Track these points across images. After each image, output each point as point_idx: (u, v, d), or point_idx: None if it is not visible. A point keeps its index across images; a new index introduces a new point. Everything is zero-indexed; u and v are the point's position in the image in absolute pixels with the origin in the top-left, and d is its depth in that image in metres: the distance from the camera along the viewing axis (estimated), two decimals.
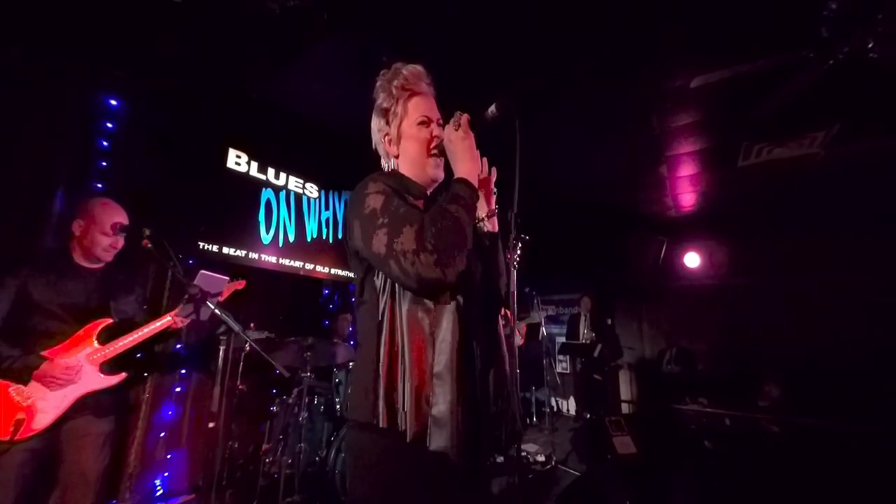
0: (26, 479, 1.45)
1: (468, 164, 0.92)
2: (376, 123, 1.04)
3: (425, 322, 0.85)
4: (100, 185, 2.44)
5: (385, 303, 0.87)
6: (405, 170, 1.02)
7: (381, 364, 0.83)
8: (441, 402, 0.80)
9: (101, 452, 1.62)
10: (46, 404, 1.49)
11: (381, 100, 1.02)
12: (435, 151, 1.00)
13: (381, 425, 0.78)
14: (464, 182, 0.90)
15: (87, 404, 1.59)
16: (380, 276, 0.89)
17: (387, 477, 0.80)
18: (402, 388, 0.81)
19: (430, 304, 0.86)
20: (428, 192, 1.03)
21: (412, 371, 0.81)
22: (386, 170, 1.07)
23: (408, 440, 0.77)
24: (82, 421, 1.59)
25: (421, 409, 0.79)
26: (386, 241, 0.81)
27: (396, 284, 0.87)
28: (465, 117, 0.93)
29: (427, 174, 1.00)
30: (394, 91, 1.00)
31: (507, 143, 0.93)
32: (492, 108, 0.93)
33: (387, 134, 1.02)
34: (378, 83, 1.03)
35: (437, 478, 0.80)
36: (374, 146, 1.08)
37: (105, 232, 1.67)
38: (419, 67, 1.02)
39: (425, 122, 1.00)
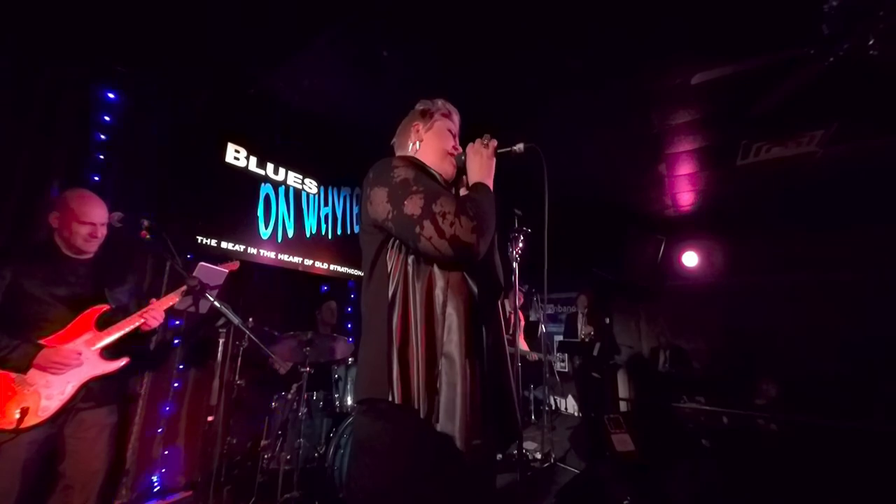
0: (31, 470, 1.44)
1: (487, 177, 1.01)
2: (411, 118, 1.15)
3: (438, 300, 0.86)
4: (97, 178, 2.41)
5: (398, 281, 0.88)
6: (423, 156, 1.09)
7: (394, 340, 0.83)
8: (449, 381, 0.80)
9: (107, 447, 1.62)
10: (50, 391, 1.47)
11: (422, 104, 1.16)
12: (452, 156, 1.11)
13: (396, 401, 0.78)
14: (485, 185, 0.98)
15: (92, 393, 1.58)
16: (392, 254, 0.91)
17: (400, 462, 0.79)
18: (414, 366, 0.81)
19: (443, 283, 0.87)
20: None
21: (423, 348, 0.82)
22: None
23: (421, 416, 0.78)
24: (87, 413, 1.58)
25: (431, 387, 0.80)
26: (422, 203, 0.84)
27: (411, 262, 0.88)
28: (494, 142, 1.05)
29: (444, 167, 1.09)
30: (439, 104, 1.15)
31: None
32: (519, 146, 1.05)
33: (418, 123, 1.13)
34: (423, 100, 1.18)
35: (448, 459, 0.79)
36: (393, 140, 1.18)
37: (82, 222, 1.63)
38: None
39: (452, 135, 1.14)
